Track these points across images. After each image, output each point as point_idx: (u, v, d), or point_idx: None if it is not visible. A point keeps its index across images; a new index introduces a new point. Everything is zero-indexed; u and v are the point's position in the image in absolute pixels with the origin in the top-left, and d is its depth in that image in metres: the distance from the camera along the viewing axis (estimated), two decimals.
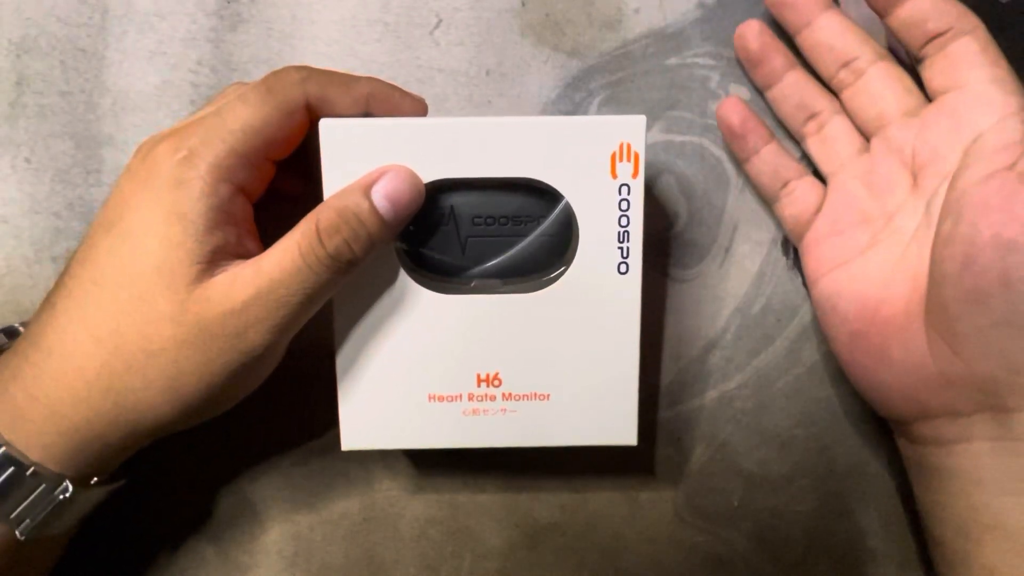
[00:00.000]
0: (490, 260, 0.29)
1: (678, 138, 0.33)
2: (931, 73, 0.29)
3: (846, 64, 0.30)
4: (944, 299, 0.26)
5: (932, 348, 0.27)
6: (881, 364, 0.28)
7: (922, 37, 0.28)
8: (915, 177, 0.29)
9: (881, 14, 0.29)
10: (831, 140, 0.32)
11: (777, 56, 0.31)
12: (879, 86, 0.30)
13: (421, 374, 0.28)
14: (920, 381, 0.27)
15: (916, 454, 0.29)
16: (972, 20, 0.28)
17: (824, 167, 0.32)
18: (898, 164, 0.30)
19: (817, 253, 0.31)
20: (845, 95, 0.31)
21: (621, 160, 0.27)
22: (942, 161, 0.28)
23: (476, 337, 0.28)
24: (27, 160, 0.33)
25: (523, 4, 0.33)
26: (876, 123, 0.30)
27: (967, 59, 0.28)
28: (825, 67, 0.31)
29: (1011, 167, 0.25)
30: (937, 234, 0.27)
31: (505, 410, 0.29)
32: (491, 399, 0.29)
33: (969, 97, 0.28)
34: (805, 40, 0.31)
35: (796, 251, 0.33)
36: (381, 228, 0.26)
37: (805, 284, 0.33)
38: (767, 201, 0.33)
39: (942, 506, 0.28)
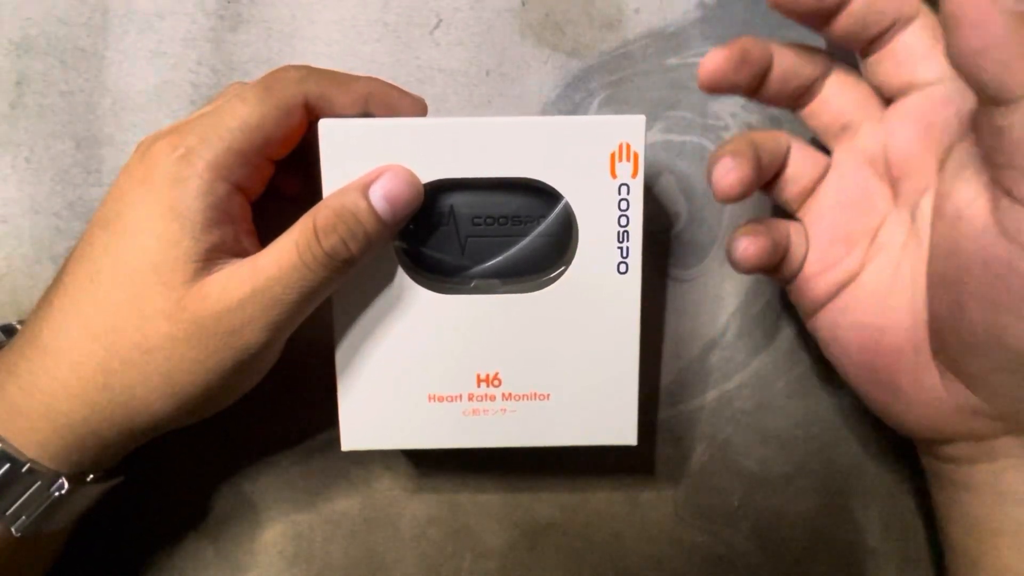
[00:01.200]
0: (490, 260, 0.29)
1: (678, 138, 0.33)
2: (880, 75, 0.26)
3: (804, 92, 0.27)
4: (945, 342, 0.25)
5: (945, 383, 0.25)
6: (893, 397, 0.27)
7: (865, 41, 0.26)
8: (893, 187, 0.27)
9: (817, 29, 0.26)
10: (792, 179, 0.28)
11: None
12: (837, 98, 0.27)
13: (421, 374, 0.28)
14: (937, 412, 0.26)
15: (937, 468, 0.28)
16: (913, 5, 0.25)
17: (794, 208, 0.29)
18: (872, 176, 0.27)
19: (808, 291, 0.28)
20: (805, 113, 0.28)
21: (621, 160, 0.27)
22: (919, 173, 0.26)
23: (476, 337, 0.28)
24: (27, 160, 0.33)
25: (523, 4, 0.33)
26: (841, 134, 0.27)
27: (915, 53, 0.25)
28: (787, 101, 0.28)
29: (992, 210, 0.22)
30: (929, 270, 0.25)
31: (505, 410, 0.29)
32: (491, 399, 0.29)
33: (928, 98, 0.25)
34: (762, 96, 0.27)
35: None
36: (379, 228, 0.26)
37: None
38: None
39: (959, 512, 0.28)
